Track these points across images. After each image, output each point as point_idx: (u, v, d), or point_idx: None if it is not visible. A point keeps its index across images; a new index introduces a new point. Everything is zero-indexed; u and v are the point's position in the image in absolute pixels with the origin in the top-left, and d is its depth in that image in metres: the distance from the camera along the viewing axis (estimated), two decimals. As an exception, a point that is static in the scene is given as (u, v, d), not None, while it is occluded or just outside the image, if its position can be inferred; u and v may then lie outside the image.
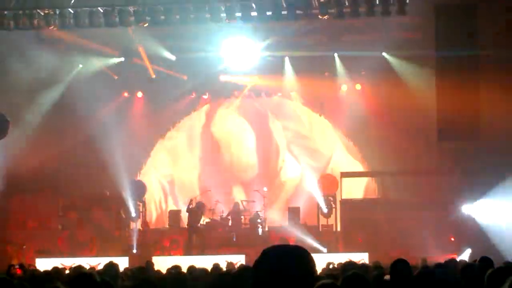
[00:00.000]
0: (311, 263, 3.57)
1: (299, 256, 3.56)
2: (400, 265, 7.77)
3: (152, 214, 26.44)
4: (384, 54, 24.62)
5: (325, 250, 22.17)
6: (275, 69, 25.63)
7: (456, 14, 18.87)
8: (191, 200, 23.60)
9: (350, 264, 10.03)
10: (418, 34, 22.46)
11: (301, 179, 26.14)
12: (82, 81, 25.03)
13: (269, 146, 27.00)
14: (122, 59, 25.67)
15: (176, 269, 12.24)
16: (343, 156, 26.16)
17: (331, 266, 14.39)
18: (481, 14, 18.69)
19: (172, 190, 26.95)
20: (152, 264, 14.89)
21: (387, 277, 7.95)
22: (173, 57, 25.57)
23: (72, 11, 20.36)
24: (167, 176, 27.24)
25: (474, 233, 21.56)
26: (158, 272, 12.74)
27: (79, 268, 12.45)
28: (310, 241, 21.88)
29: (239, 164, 26.94)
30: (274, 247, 3.65)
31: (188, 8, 20.25)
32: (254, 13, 20.20)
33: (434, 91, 19.27)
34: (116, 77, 26.29)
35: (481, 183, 21.49)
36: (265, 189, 24.87)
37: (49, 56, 23.67)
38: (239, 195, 25.90)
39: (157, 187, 26.93)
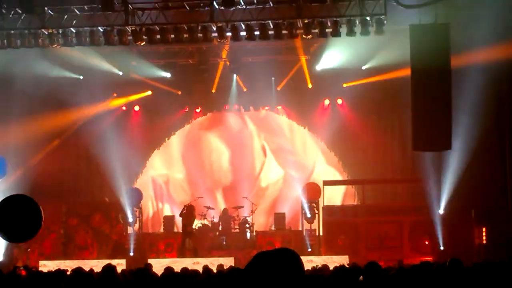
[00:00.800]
0: (301, 265, 3.56)
1: (290, 258, 3.55)
2: (372, 267, 7.78)
3: (148, 219, 26.28)
4: (363, 67, 24.58)
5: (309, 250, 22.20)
6: (263, 85, 25.55)
7: (429, 32, 18.84)
8: (184, 206, 23.50)
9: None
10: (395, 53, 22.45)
11: (284, 185, 26.06)
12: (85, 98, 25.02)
13: (251, 154, 26.88)
14: (121, 73, 25.54)
15: (169, 270, 12.17)
16: (324, 166, 26.04)
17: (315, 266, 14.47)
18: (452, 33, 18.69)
19: (166, 195, 26.84)
20: (151, 266, 14.78)
21: (361, 278, 7.89)
22: (168, 74, 25.61)
23: (74, 30, 20.32)
24: (163, 177, 27.11)
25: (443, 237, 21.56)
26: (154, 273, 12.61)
27: (79, 269, 12.29)
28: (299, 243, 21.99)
29: (219, 171, 26.88)
30: (267, 251, 3.61)
31: (182, 28, 20.21)
32: (243, 33, 20.16)
33: (409, 105, 19.22)
34: (114, 94, 26.21)
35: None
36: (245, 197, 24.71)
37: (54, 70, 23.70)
38: (224, 201, 25.74)
39: (151, 193, 26.80)
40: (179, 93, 26.13)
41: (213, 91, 26.09)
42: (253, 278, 3.47)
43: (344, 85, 24.96)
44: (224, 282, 7.24)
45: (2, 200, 7.96)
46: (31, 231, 7.77)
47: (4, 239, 8.38)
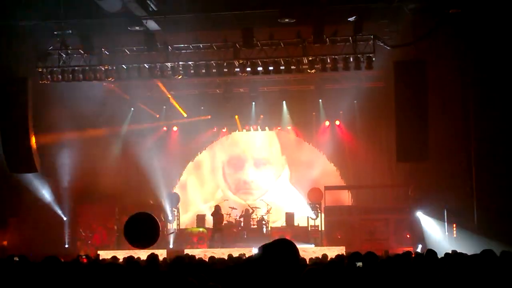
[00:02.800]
0: (296, 250, 3.62)
1: (287, 246, 3.63)
2: (369, 256, 7.78)
3: (185, 218, 26.31)
4: (355, 101, 24.65)
5: (313, 245, 22.07)
6: (276, 109, 25.61)
7: (410, 67, 18.85)
8: (214, 207, 23.56)
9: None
10: (381, 83, 22.47)
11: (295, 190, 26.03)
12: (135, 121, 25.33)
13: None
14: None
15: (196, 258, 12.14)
16: (325, 174, 25.98)
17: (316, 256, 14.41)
18: (429, 68, 18.70)
19: (199, 198, 26.90)
20: (187, 254, 14.84)
21: (359, 264, 7.89)
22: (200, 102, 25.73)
23: (125, 67, 20.50)
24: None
25: (422, 232, 21.46)
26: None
27: (130, 257, 12.40)
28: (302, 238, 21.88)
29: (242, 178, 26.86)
30: (270, 242, 3.71)
31: (211, 64, 20.31)
32: (260, 68, 20.19)
33: (394, 125, 19.21)
34: (157, 116, 26.37)
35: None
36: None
37: (112, 100, 23.87)
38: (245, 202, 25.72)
39: (188, 197, 26.85)
40: (209, 117, 26.24)
41: (236, 116, 26.21)
42: (259, 262, 3.60)
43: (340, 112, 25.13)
44: (244, 266, 7.26)
45: (132, 216, 8.29)
46: (152, 239, 8.13)
47: (134, 246, 8.63)
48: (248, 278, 3.89)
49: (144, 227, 7.92)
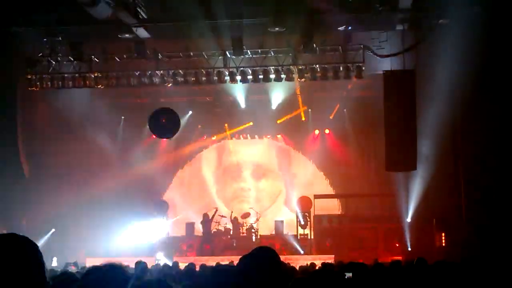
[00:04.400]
0: (278, 257, 3.62)
1: (270, 253, 3.60)
2: (357, 266, 7.68)
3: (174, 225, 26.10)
4: (344, 110, 24.63)
5: (302, 252, 21.96)
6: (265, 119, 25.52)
7: (399, 77, 18.86)
8: (203, 215, 23.41)
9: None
10: (371, 93, 22.46)
11: (285, 199, 25.92)
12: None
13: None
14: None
15: (190, 266, 12.02)
16: (315, 182, 25.92)
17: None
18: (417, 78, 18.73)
19: (188, 206, 26.68)
20: (178, 263, 14.68)
21: (349, 275, 7.77)
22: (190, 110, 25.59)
23: (114, 74, 20.40)
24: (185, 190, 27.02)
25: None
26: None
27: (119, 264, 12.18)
28: (294, 245, 21.84)
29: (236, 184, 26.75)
30: (250, 252, 3.68)
31: (200, 72, 20.27)
32: (250, 76, 20.14)
33: (383, 134, 19.20)
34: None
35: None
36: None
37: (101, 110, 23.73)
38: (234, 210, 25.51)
39: (176, 204, 26.65)
40: (199, 126, 26.11)
41: (226, 124, 26.11)
42: (242, 271, 3.56)
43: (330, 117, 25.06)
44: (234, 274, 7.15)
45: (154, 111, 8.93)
46: (174, 130, 8.61)
47: (158, 136, 9.16)
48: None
49: (166, 120, 8.46)
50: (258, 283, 3.43)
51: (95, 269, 3.44)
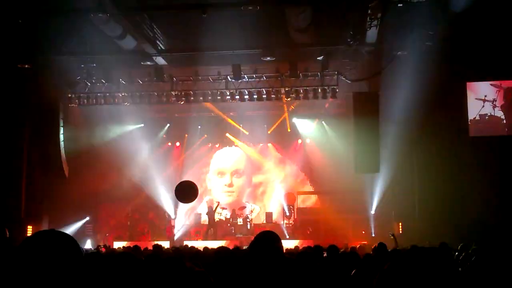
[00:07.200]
0: (278, 239, 3.82)
1: (273, 235, 3.84)
2: (332, 248, 7.76)
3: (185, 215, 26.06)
4: (323, 122, 24.69)
5: (288, 237, 22.00)
6: (259, 130, 25.51)
7: (366, 97, 18.97)
8: (208, 207, 23.38)
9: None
10: (343, 110, 22.54)
11: (274, 194, 25.87)
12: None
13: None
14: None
15: (193, 248, 12.01)
16: (298, 181, 25.89)
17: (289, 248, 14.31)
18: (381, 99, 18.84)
19: (197, 200, 26.48)
20: (187, 245, 14.72)
21: (325, 254, 7.83)
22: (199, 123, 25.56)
23: (138, 94, 20.36)
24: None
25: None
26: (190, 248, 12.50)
27: (137, 247, 12.21)
28: (282, 232, 21.77)
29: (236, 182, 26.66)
30: (260, 233, 3.84)
31: (207, 93, 20.28)
32: (246, 96, 20.19)
33: (352, 142, 19.30)
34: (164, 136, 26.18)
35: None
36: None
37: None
38: (233, 204, 25.43)
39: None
40: (205, 136, 26.05)
41: (227, 133, 26.12)
42: (254, 250, 3.66)
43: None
44: (232, 255, 7.18)
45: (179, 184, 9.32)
46: (192, 198, 9.06)
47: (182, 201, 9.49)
48: (239, 268, 3.86)
49: (188, 189, 9.10)
50: (266, 257, 3.56)
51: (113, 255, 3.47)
